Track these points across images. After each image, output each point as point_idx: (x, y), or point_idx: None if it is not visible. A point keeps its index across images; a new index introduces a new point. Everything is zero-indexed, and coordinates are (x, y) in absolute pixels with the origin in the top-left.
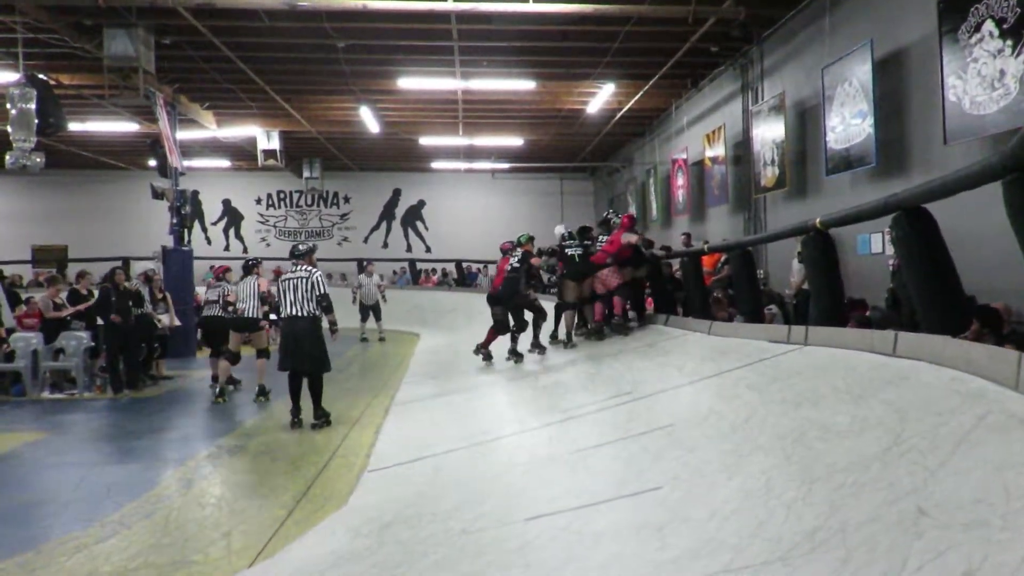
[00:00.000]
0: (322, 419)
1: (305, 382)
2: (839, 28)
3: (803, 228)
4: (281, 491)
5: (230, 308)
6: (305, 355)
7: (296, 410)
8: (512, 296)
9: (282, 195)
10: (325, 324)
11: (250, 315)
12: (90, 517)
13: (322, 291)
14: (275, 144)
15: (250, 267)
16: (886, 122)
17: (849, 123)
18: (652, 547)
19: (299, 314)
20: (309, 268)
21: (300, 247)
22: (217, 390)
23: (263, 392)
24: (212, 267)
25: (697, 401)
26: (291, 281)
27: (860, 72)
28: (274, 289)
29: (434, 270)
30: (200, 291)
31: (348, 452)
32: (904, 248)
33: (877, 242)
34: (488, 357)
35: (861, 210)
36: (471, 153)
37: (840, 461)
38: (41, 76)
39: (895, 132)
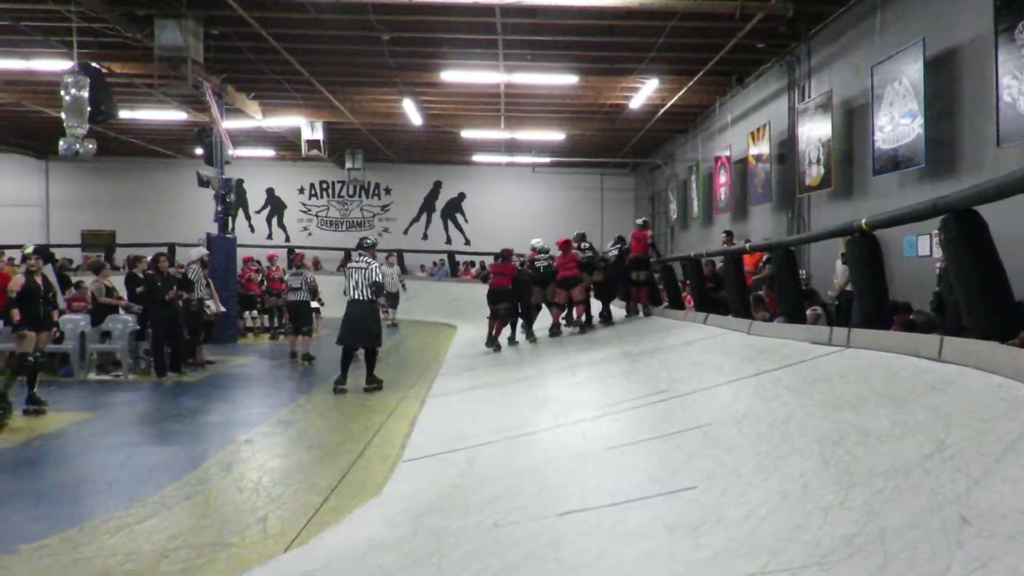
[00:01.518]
0: (374, 385)
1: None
2: (890, 26)
3: (848, 228)
4: (317, 478)
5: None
6: (366, 332)
7: (343, 379)
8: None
9: (324, 185)
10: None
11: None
12: (132, 497)
13: (376, 279)
14: (319, 135)
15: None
16: (936, 122)
17: (898, 123)
18: (686, 546)
19: (361, 298)
20: (369, 260)
21: (368, 240)
22: (300, 358)
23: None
24: (293, 257)
25: (735, 401)
26: (355, 269)
27: (911, 71)
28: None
29: (472, 263)
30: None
31: (383, 442)
32: (952, 251)
33: (924, 245)
34: (497, 347)
35: (909, 211)
36: (512, 147)
37: (880, 466)
38: (94, 64)
39: (946, 133)
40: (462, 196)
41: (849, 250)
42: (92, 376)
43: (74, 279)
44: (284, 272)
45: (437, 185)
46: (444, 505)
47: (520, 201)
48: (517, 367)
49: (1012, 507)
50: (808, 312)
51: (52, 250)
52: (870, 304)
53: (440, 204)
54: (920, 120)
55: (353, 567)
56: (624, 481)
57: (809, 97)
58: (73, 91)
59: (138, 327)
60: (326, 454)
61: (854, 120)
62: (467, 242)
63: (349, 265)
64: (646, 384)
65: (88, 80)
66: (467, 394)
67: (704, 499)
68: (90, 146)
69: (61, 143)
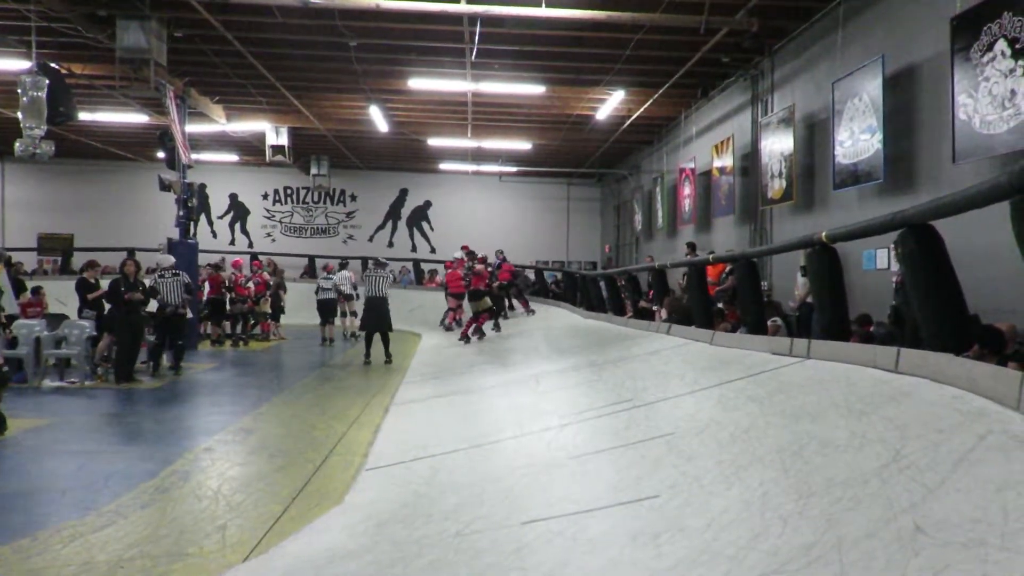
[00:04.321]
0: (390, 358)
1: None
2: (851, 42)
3: (809, 241)
4: (278, 487)
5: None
6: (383, 320)
7: (368, 354)
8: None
9: (289, 191)
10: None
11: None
12: (87, 506)
13: (390, 283)
14: (283, 140)
15: (345, 264)
16: (895, 138)
17: (858, 138)
18: (648, 555)
19: (378, 295)
20: (382, 272)
21: (382, 259)
22: (329, 342)
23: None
24: (326, 266)
25: (697, 410)
26: (372, 277)
27: (871, 87)
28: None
29: (437, 271)
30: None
31: (346, 450)
32: (909, 264)
33: (883, 258)
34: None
35: (868, 225)
36: (479, 155)
37: (838, 475)
38: (53, 65)
39: (904, 149)
40: (428, 204)
41: (809, 262)
42: (47, 382)
43: (30, 284)
44: (245, 279)
45: (403, 193)
46: (407, 514)
47: (487, 210)
48: (482, 375)
49: (966, 516)
50: (769, 323)
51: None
52: (829, 316)
53: (406, 212)
54: (879, 136)
55: None
56: (588, 490)
57: (772, 111)
58: (31, 92)
59: (94, 333)
60: (287, 462)
61: (815, 134)
62: (433, 250)
63: (366, 273)
64: (611, 393)
65: (47, 81)
66: (431, 402)
67: (667, 508)
68: (48, 147)
69: (17, 144)
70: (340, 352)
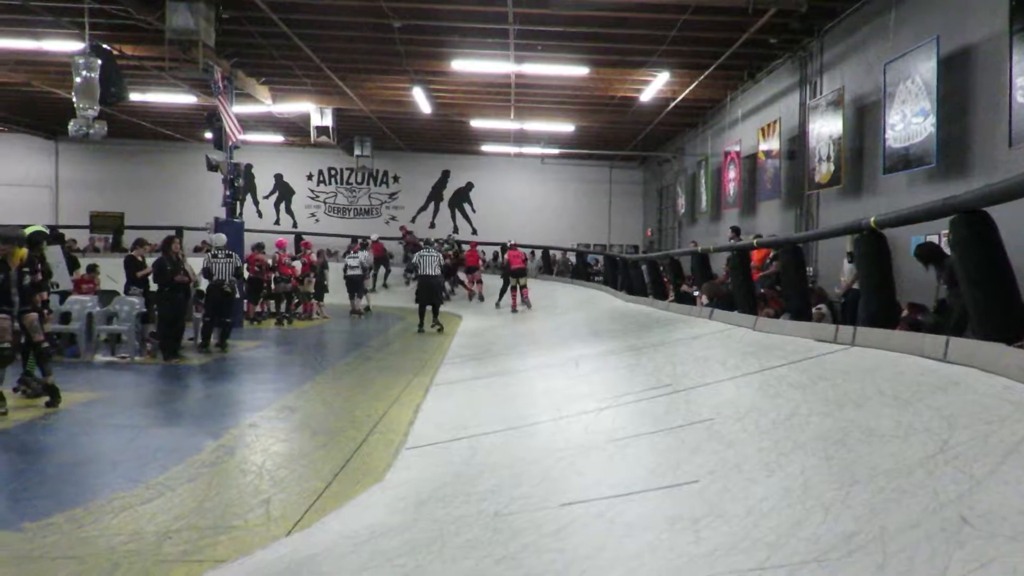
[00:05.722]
0: (437, 326)
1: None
2: (904, 23)
3: (856, 227)
4: (320, 463)
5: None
6: (435, 294)
7: (421, 324)
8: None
9: (333, 172)
10: None
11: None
12: (136, 478)
13: (442, 263)
14: (328, 121)
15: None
16: (949, 122)
17: (910, 121)
18: (686, 539)
19: (432, 273)
20: (434, 253)
21: (432, 239)
22: (362, 309)
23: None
24: (351, 246)
25: (738, 396)
26: (426, 257)
27: (924, 69)
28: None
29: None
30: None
31: (387, 429)
32: (961, 252)
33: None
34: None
35: (918, 211)
36: (521, 137)
37: (882, 465)
38: (105, 46)
39: (958, 132)
40: (470, 185)
41: (857, 248)
42: (99, 357)
43: (83, 262)
44: (290, 259)
45: (445, 174)
46: (446, 493)
47: (528, 192)
48: (522, 358)
49: (1014, 508)
50: (813, 310)
51: (60, 231)
52: (876, 303)
53: (448, 193)
54: (932, 119)
55: (354, 552)
56: (626, 473)
57: (821, 93)
58: (84, 72)
59: (144, 310)
60: (329, 440)
61: (865, 118)
62: (474, 231)
63: (420, 252)
64: (651, 377)
65: (99, 62)
66: (471, 383)
67: (705, 493)
68: (100, 127)
69: (71, 124)
70: (380, 333)
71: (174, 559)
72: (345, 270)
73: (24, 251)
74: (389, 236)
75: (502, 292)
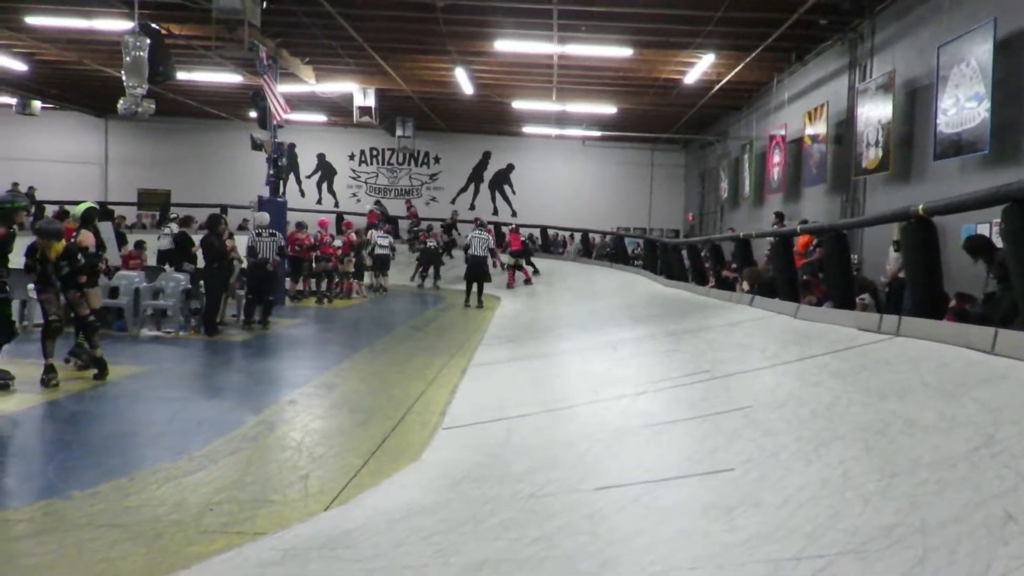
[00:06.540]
0: (482, 303)
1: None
2: (959, 5)
3: (904, 214)
4: (358, 441)
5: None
6: (482, 274)
7: (467, 299)
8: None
9: (375, 152)
10: None
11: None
12: (180, 450)
13: (491, 246)
14: (371, 101)
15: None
16: (1004, 107)
17: (963, 106)
18: (721, 527)
19: (480, 254)
20: (483, 235)
21: (483, 219)
22: (383, 291)
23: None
24: (384, 227)
25: (777, 384)
26: (476, 239)
27: (979, 52)
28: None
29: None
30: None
31: (424, 409)
32: (1013, 242)
33: (984, 234)
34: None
35: (969, 199)
36: (563, 119)
37: (924, 457)
38: (153, 26)
39: (1013, 118)
40: (511, 167)
41: (904, 236)
42: (145, 332)
43: (132, 238)
44: (331, 238)
45: (486, 155)
46: (481, 474)
47: (569, 174)
48: (559, 340)
49: None
50: (857, 300)
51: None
52: (922, 293)
53: (488, 175)
54: (986, 104)
55: (390, 529)
56: (662, 459)
57: (871, 77)
58: (133, 52)
59: (189, 286)
60: (367, 418)
61: (916, 102)
62: (514, 214)
63: (472, 234)
64: (689, 363)
65: (148, 41)
66: (508, 365)
67: (742, 481)
68: (149, 106)
69: (120, 102)
70: (418, 312)
71: (215, 530)
72: (373, 248)
73: (61, 244)
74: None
75: (467, 291)
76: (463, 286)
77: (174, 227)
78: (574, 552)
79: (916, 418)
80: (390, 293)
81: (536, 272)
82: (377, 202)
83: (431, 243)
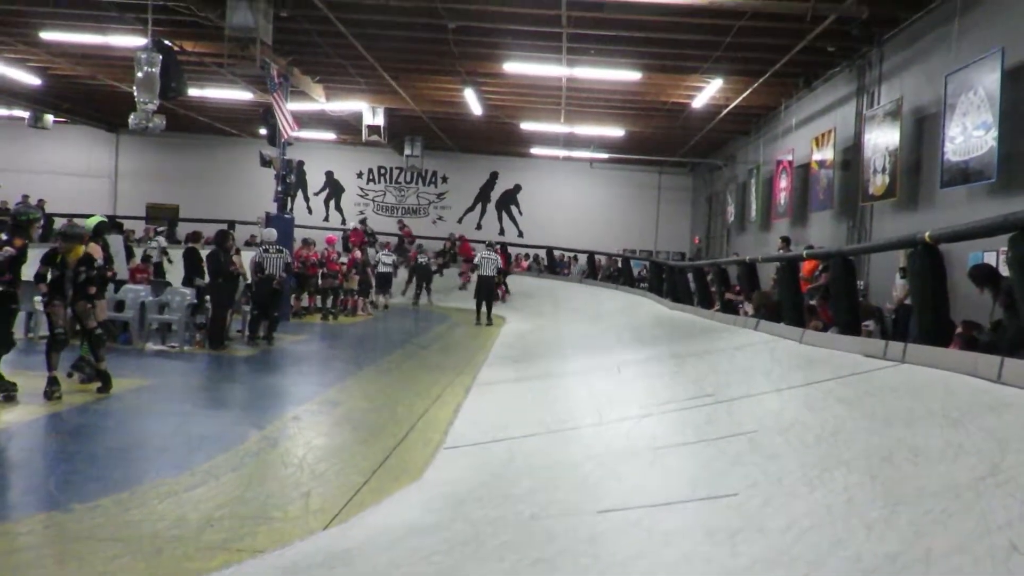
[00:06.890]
0: (491, 320)
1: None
2: (968, 33)
3: (911, 240)
4: (360, 459)
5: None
6: (490, 292)
7: (478, 317)
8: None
9: (383, 171)
10: None
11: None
12: (182, 465)
13: (500, 266)
14: (379, 120)
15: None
16: (1011, 136)
17: (970, 134)
18: (724, 552)
19: (491, 274)
20: (494, 255)
21: (494, 241)
22: (381, 308)
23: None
24: (386, 244)
25: (782, 409)
26: (487, 260)
27: (987, 81)
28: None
29: (527, 255)
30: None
31: (427, 427)
32: (1019, 270)
33: (991, 262)
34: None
35: (976, 226)
36: (570, 141)
37: (930, 486)
38: (166, 42)
39: (1020, 147)
40: (518, 188)
41: (911, 263)
42: (149, 345)
43: (137, 251)
44: (338, 255)
45: (493, 176)
46: (483, 494)
47: (576, 196)
48: (564, 361)
49: None
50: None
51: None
52: (929, 320)
53: (495, 195)
54: (994, 132)
55: (391, 548)
56: (665, 483)
57: (878, 103)
58: (146, 67)
59: (195, 301)
60: (370, 435)
61: (924, 129)
62: (520, 234)
63: (480, 255)
64: (693, 386)
65: (160, 57)
66: (512, 385)
67: (745, 507)
68: (159, 121)
69: (132, 117)
70: (423, 331)
71: (215, 546)
72: (376, 266)
73: (82, 249)
74: (433, 236)
75: (416, 293)
76: (458, 304)
77: (162, 240)
78: (575, 575)
79: (921, 446)
80: (392, 311)
81: (507, 291)
82: (362, 220)
83: (422, 259)
